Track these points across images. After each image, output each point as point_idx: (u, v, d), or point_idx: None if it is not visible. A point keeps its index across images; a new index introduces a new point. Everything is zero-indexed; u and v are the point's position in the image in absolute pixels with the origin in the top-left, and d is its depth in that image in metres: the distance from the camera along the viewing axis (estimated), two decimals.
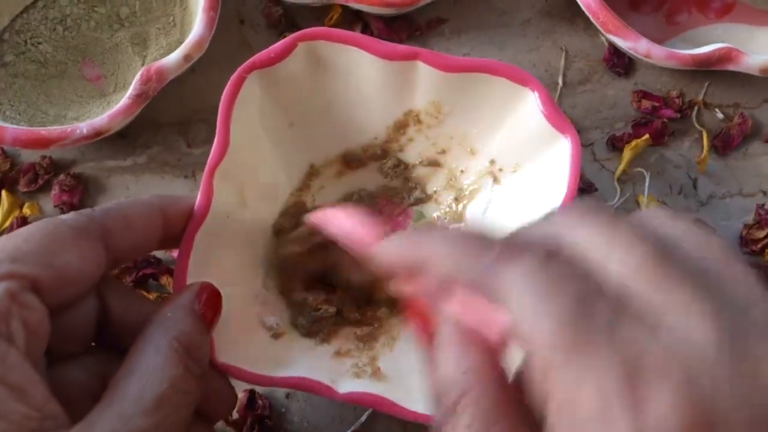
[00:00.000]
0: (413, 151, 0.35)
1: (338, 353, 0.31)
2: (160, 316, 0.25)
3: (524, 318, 0.16)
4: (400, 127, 0.34)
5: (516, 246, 0.18)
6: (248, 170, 0.31)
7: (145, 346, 0.23)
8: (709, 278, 0.16)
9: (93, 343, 0.26)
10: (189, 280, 0.28)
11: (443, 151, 0.34)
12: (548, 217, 0.19)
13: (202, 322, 0.25)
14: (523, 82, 0.30)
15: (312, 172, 0.35)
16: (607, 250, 0.17)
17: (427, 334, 0.21)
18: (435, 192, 0.35)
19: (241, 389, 0.34)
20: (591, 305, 0.16)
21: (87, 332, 0.25)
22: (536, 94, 0.29)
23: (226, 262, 0.30)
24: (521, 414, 0.18)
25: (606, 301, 0.16)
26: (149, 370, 0.22)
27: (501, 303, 0.17)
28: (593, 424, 0.15)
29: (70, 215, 0.25)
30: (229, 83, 0.29)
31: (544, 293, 0.16)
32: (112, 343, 0.26)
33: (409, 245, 0.21)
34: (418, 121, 0.33)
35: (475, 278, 0.18)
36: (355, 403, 0.29)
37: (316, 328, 0.32)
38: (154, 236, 0.27)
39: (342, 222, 0.26)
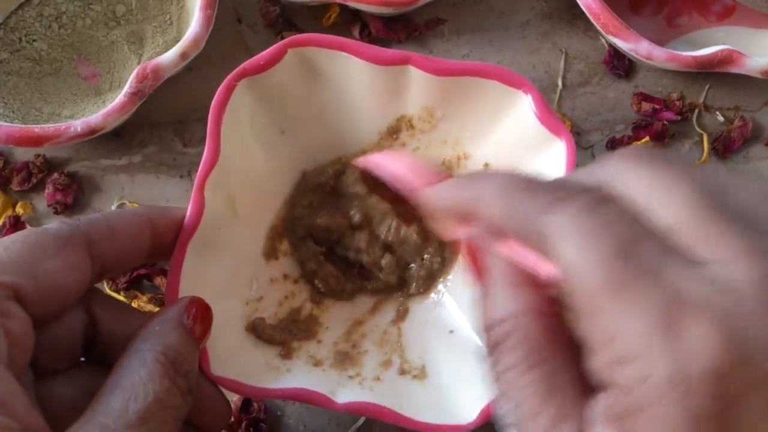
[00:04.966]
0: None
1: (334, 364, 0.31)
2: (148, 329, 0.24)
3: (571, 259, 0.17)
4: (393, 132, 0.33)
5: (566, 191, 0.18)
6: (239, 180, 0.30)
7: (130, 360, 0.23)
8: (756, 221, 0.17)
9: (82, 359, 0.26)
10: (181, 293, 0.27)
11: (437, 156, 0.34)
12: (601, 162, 0.19)
13: (191, 336, 0.25)
14: (516, 84, 0.29)
15: (304, 180, 0.34)
16: (655, 194, 0.17)
17: (480, 274, 0.22)
18: None
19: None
20: (637, 245, 0.16)
21: (74, 346, 0.25)
22: (529, 96, 0.29)
23: (218, 275, 0.30)
24: (566, 357, 0.19)
25: (652, 243, 0.16)
26: (134, 384, 0.22)
27: (549, 246, 0.17)
28: (634, 358, 0.15)
29: (54, 225, 0.24)
30: (218, 92, 0.29)
31: (591, 234, 0.17)
32: (102, 358, 0.26)
33: (461, 188, 0.21)
34: (411, 126, 0.33)
35: (524, 222, 0.18)
36: (356, 413, 0.28)
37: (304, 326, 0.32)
38: (142, 246, 0.27)
39: (392, 166, 0.26)
